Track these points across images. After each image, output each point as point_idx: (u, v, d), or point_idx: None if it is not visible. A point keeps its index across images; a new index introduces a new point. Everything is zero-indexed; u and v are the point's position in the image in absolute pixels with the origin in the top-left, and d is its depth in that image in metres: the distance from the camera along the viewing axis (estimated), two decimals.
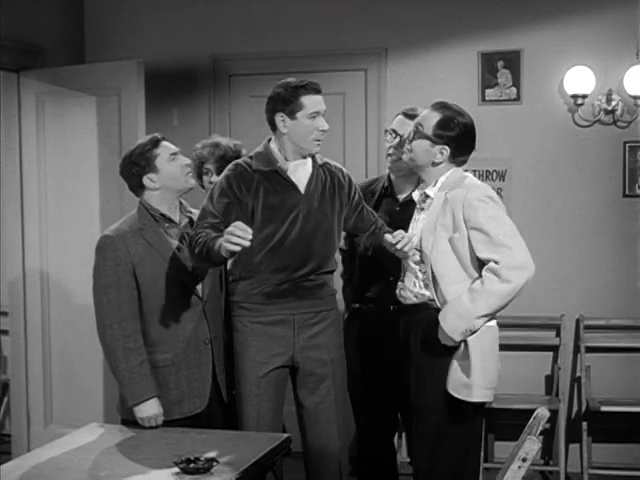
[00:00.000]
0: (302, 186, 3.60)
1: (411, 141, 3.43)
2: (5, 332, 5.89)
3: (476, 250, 3.27)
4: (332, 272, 3.72)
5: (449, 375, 3.28)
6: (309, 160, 3.63)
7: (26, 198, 5.39)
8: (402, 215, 3.73)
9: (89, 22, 5.87)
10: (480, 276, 3.28)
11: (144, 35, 5.77)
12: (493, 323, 3.32)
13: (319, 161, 3.66)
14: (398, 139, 3.84)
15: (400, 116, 3.91)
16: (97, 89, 5.09)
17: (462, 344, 3.27)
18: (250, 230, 3.11)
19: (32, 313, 5.40)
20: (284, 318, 3.60)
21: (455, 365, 3.28)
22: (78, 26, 5.82)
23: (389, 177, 3.99)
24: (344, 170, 3.76)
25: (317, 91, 3.56)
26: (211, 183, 4.09)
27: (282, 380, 3.66)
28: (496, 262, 3.22)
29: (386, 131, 3.95)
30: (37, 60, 5.34)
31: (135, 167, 3.47)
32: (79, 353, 5.17)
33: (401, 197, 3.90)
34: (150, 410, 3.37)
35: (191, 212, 3.62)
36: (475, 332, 3.26)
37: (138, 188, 3.51)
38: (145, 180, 3.48)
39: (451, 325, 3.25)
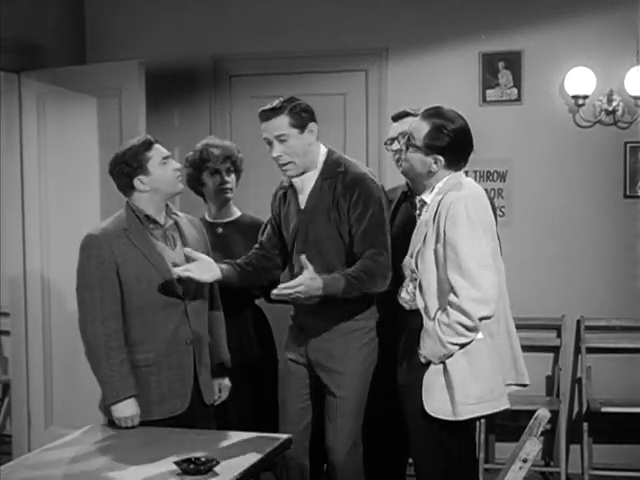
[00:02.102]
0: (304, 200, 3.65)
1: (406, 151, 3.39)
2: (6, 333, 5.90)
3: (446, 265, 3.21)
4: None
5: (430, 395, 3.25)
6: (314, 173, 3.64)
7: (27, 198, 5.39)
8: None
9: (90, 22, 5.87)
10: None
11: (145, 36, 5.77)
12: (480, 336, 3.25)
13: (333, 170, 3.62)
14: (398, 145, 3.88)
15: (392, 123, 3.94)
16: (98, 90, 5.08)
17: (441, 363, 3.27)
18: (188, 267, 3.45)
19: (33, 314, 5.40)
20: (301, 319, 3.74)
21: (435, 384, 3.25)
22: (79, 26, 5.83)
23: (407, 183, 3.99)
24: (357, 181, 3.60)
25: (264, 118, 3.56)
26: (224, 183, 4.08)
27: (302, 376, 3.74)
28: (456, 294, 3.17)
29: (385, 143, 3.95)
30: (38, 60, 5.34)
31: (126, 168, 3.47)
32: (80, 354, 5.11)
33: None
34: (127, 410, 3.37)
35: (176, 214, 3.62)
36: (452, 354, 3.24)
37: (127, 189, 3.51)
38: (136, 182, 3.48)
39: (429, 350, 3.24)
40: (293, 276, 3.62)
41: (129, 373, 3.38)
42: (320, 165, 3.64)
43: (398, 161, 3.86)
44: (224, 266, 3.62)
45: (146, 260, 3.44)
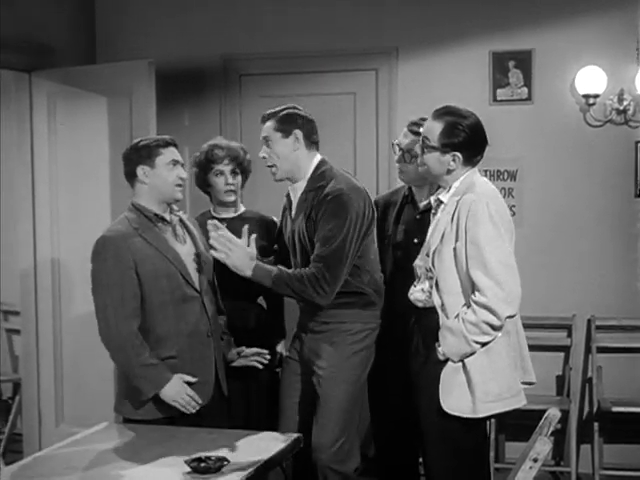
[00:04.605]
0: (294, 210, 3.80)
1: (422, 154, 3.40)
2: (17, 331, 5.91)
3: (468, 262, 3.23)
4: (342, 294, 3.69)
5: (448, 393, 3.26)
6: (302, 184, 3.76)
7: (38, 197, 5.40)
8: (422, 223, 3.74)
9: (100, 22, 5.89)
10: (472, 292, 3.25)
11: (155, 35, 5.77)
12: (499, 334, 3.27)
13: (316, 184, 3.71)
14: (401, 153, 3.93)
15: (405, 129, 3.99)
16: (108, 89, 5.09)
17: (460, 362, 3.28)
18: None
19: (43, 312, 5.41)
20: (301, 320, 3.89)
21: (453, 382, 3.26)
22: (89, 26, 5.84)
23: (409, 186, 4.01)
24: (329, 196, 3.65)
25: (260, 121, 3.81)
26: (228, 184, 4.10)
27: (297, 373, 3.86)
28: (482, 293, 3.19)
29: (393, 144, 4.03)
30: (48, 60, 5.35)
31: (136, 154, 3.53)
32: (90, 352, 5.16)
33: (421, 205, 3.91)
34: (175, 387, 3.40)
35: (174, 209, 3.64)
36: (474, 352, 3.26)
37: (130, 176, 3.57)
38: (138, 170, 3.52)
39: (451, 348, 3.25)
40: None
41: (159, 362, 3.41)
42: (308, 177, 3.75)
43: (398, 168, 3.98)
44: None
45: (162, 256, 3.47)
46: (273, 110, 3.79)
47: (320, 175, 3.73)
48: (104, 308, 3.41)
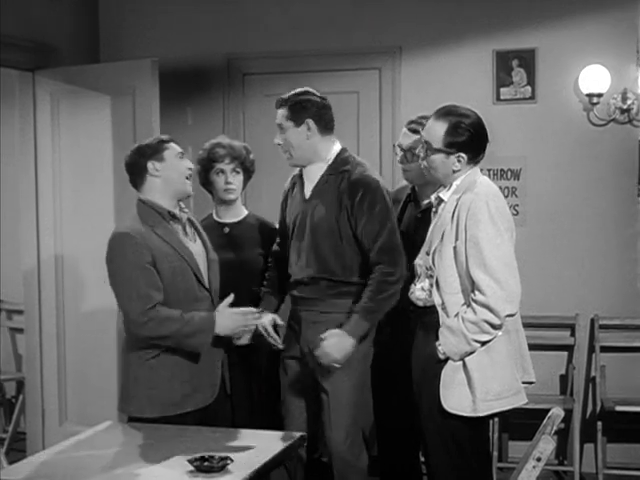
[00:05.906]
0: (309, 191, 3.75)
1: (425, 158, 3.39)
2: (20, 330, 5.92)
3: (468, 261, 3.23)
4: (347, 284, 3.71)
5: (448, 392, 3.26)
6: (321, 167, 3.73)
7: (41, 196, 5.41)
8: (423, 221, 3.75)
9: (104, 21, 5.89)
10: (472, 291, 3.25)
11: (159, 34, 5.78)
12: (499, 332, 3.27)
13: (339, 168, 3.70)
14: (402, 154, 3.94)
15: (404, 129, 4.00)
16: (112, 88, 5.10)
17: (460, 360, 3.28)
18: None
19: (47, 311, 5.42)
20: (296, 317, 3.84)
21: (453, 380, 3.26)
22: (93, 25, 5.84)
23: (413, 186, 4.03)
24: (360, 180, 3.67)
25: (275, 106, 3.78)
26: (228, 183, 4.09)
27: (298, 371, 3.83)
28: (482, 292, 3.19)
29: (394, 146, 4.05)
30: (52, 59, 5.36)
31: (142, 152, 3.51)
32: (94, 351, 5.19)
33: (423, 203, 3.92)
34: (225, 317, 3.42)
35: (182, 207, 3.63)
36: (475, 351, 3.26)
37: (139, 173, 3.51)
38: (149, 165, 3.49)
39: (451, 347, 3.25)
40: (290, 263, 3.82)
41: (195, 314, 3.39)
42: (330, 161, 3.73)
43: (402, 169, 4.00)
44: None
45: (177, 254, 3.45)
46: (286, 96, 3.74)
47: (343, 160, 3.73)
48: (128, 303, 3.36)
